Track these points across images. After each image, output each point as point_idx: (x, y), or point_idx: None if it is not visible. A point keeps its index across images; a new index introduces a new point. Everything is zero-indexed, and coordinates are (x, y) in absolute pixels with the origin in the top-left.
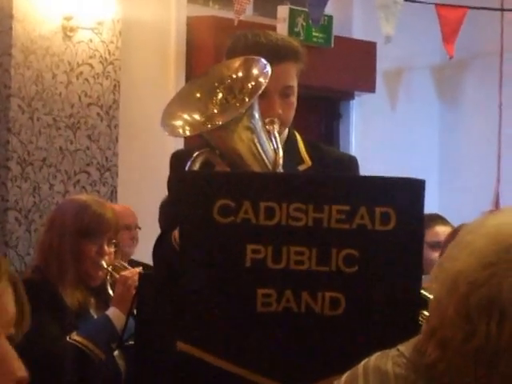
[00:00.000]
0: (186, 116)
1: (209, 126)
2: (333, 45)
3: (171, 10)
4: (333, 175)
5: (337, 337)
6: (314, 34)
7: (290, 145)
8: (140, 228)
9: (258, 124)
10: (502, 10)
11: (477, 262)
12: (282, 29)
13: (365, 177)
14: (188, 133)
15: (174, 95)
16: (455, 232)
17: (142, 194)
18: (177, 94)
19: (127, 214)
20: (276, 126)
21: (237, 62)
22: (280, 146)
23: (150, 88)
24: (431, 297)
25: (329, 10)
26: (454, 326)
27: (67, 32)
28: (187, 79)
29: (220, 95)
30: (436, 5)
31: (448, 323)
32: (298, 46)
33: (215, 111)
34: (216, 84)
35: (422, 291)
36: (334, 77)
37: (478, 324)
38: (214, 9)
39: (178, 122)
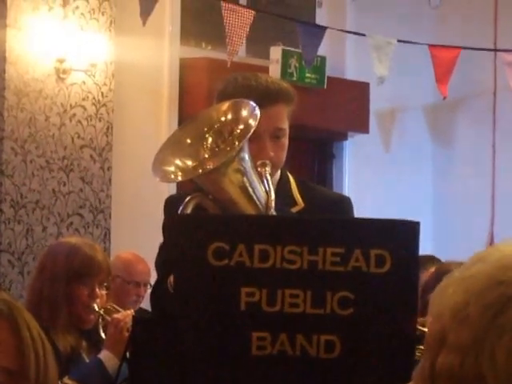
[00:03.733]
0: (177, 162)
1: (200, 170)
2: (326, 85)
3: (164, 52)
4: (327, 218)
5: (332, 380)
6: (307, 74)
7: (282, 186)
8: (151, 285)
9: (249, 166)
10: (496, 50)
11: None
12: (274, 70)
13: (359, 219)
14: (180, 178)
15: (164, 140)
16: (439, 270)
17: (135, 235)
18: (167, 140)
19: (142, 270)
20: (268, 169)
21: (225, 106)
22: (272, 188)
23: (143, 130)
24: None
25: (322, 50)
26: None
27: (60, 74)
28: (180, 121)
29: (210, 140)
30: (429, 45)
31: None
32: (289, 87)
33: (206, 156)
34: (205, 129)
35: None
36: (327, 117)
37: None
38: (206, 50)
39: (170, 168)
